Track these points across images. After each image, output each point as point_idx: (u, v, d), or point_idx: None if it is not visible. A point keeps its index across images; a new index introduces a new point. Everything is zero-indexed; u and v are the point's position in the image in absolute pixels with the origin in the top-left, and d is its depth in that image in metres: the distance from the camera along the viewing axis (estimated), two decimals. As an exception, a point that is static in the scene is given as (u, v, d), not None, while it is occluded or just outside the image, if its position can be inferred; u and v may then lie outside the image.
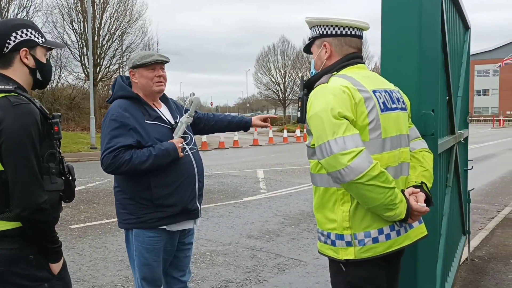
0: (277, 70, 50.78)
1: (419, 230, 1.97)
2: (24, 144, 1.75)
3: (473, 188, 5.07)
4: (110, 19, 26.05)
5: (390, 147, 1.90)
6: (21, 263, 1.82)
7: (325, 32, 2.02)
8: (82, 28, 25.50)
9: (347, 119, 1.78)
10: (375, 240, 1.86)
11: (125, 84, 2.76)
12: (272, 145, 23.43)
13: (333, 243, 1.92)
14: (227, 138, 22.18)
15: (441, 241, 2.97)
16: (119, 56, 27.08)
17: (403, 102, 2.03)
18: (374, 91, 1.89)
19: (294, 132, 28.44)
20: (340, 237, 1.89)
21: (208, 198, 8.54)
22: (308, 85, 2.06)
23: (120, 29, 26.51)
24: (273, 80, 51.29)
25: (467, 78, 4.35)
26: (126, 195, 2.67)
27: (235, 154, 18.21)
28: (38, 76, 1.97)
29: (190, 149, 2.76)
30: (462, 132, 4.06)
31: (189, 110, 2.82)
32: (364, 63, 2.07)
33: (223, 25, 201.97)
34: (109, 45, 26.27)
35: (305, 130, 2.76)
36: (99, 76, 25.83)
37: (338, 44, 2.01)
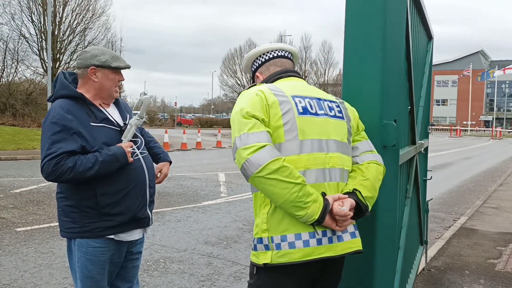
0: (242, 73, 50.71)
1: (349, 244, 1.83)
2: None
3: (432, 198, 5.08)
4: (72, 13, 25.24)
5: (311, 149, 1.84)
6: None
7: (255, 67, 2.19)
8: (41, 21, 24.59)
9: (256, 118, 1.79)
10: (292, 245, 1.76)
11: (68, 81, 2.51)
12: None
13: (255, 248, 1.86)
14: (189, 140, 21.89)
15: (399, 255, 2.90)
16: (80, 51, 26.28)
17: (339, 111, 1.99)
18: (293, 96, 1.89)
19: (258, 135, 28.38)
20: (260, 240, 1.83)
21: (166, 201, 8.29)
22: None
23: (82, 24, 25.72)
24: (239, 82, 51.21)
25: (429, 88, 4.35)
26: (69, 202, 2.44)
27: (198, 156, 17.94)
28: None
29: (140, 153, 2.56)
30: (423, 142, 4.04)
31: (138, 111, 2.62)
32: (298, 76, 2.10)
33: (185, 26, 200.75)
34: (70, 40, 25.46)
35: None
36: (58, 71, 24.96)
37: (265, 69, 2.15)
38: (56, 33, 24.07)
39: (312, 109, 1.90)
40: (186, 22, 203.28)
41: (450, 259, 5.24)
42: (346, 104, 2.06)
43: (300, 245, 1.75)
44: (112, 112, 2.58)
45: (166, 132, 21.12)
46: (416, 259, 4.22)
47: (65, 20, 25.06)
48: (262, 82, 2.08)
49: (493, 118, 66.32)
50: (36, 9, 24.49)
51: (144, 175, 2.56)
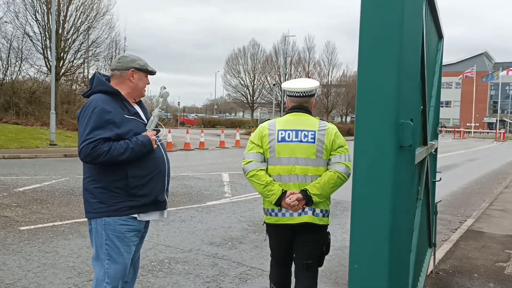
0: (246, 73, 50.71)
1: (303, 219, 3.07)
2: None
3: (440, 200, 5.01)
4: (76, 12, 25.17)
5: (283, 163, 3.08)
6: None
7: (286, 94, 3.30)
8: (46, 20, 24.56)
9: (254, 143, 3.16)
10: (269, 214, 3.15)
11: (104, 80, 2.88)
12: (238, 147, 23.21)
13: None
14: (193, 139, 21.85)
15: (411, 257, 2.83)
16: (84, 50, 26.22)
17: (312, 138, 3.08)
18: (279, 130, 3.12)
19: (261, 135, 28.32)
20: (263, 207, 3.22)
21: (170, 201, 8.18)
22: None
23: (86, 23, 25.67)
24: (242, 82, 51.17)
25: (439, 88, 4.29)
26: (99, 184, 2.77)
27: (201, 156, 17.90)
28: None
29: (160, 141, 2.96)
30: (433, 143, 3.98)
31: (160, 104, 3.01)
32: (301, 111, 3.18)
33: (187, 26, 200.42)
34: (74, 39, 25.35)
35: None
36: (62, 70, 24.89)
37: (289, 100, 3.28)
38: (60, 31, 24.01)
39: (288, 138, 3.09)
40: (188, 22, 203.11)
41: (458, 262, 5.17)
42: (327, 130, 3.10)
43: (272, 215, 3.14)
44: (138, 109, 2.97)
45: (169, 132, 21.08)
46: (425, 261, 4.15)
47: (69, 18, 24.99)
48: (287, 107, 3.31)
49: (496, 120, 66.10)
50: (40, 8, 24.46)
51: (164, 162, 2.97)
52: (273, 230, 3.20)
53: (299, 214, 3.04)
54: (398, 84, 2.11)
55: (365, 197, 2.07)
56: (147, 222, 3.02)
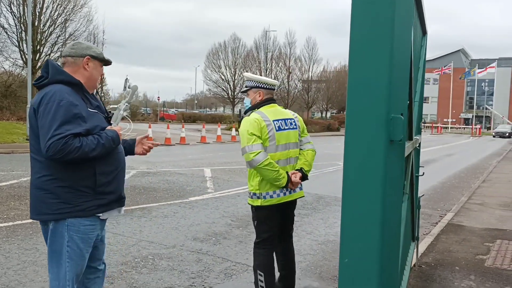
0: (227, 68, 50.50)
1: (299, 194, 3.71)
2: None
3: (423, 195, 5.08)
4: (52, 4, 24.63)
5: (281, 149, 3.57)
6: None
7: (257, 85, 3.69)
8: (21, 12, 23.98)
9: (256, 135, 3.45)
10: (270, 196, 3.54)
11: (63, 68, 2.68)
12: (220, 143, 23.14)
13: (251, 197, 3.62)
14: (173, 135, 21.68)
15: (399, 251, 2.86)
16: (62, 43, 25.68)
17: (295, 125, 3.69)
18: (274, 120, 3.56)
19: (242, 130, 28.26)
20: (254, 194, 3.58)
21: (152, 197, 8.16)
22: (246, 112, 3.70)
23: (63, 15, 25.15)
24: (223, 77, 50.95)
25: (423, 83, 4.33)
26: (64, 183, 2.58)
27: (182, 151, 17.77)
28: None
29: (127, 136, 2.95)
30: (418, 137, 4.02)
31: (123, 100, 2.92)
32: (274, 102, 3.72)
33: (165, 20, 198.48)
34: (51, 32, 24.84)
35: None
36: (39, 64, 24.31)
37: (265, 93, 3.70)
38: (36, 24, 23.48)
39: (282, 127, 3.58)
40: (166, 17, 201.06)
41: (440, 255, 5.25)
42: (299, 117, 3.78)
43: (275, 196, 3.54)
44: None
45: (149, 127, 20.87)
46: (409, 255, 4.20)
47: (45, 10, 24.44)
48: (256, 104, 3.67)
49: (473, 115, 67.48)
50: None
51: (124, 158, 2.88)
52: (274, 210, 3.57)
53: (295, 191, 3.65)
54: (389, 78, 2.11)
55: (356, 191, 2.07)
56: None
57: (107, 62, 2.82)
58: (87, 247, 2.69)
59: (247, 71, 49.43)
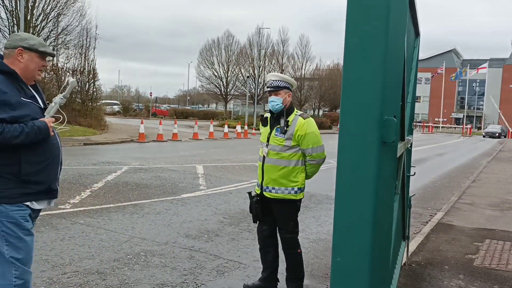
0: (220, 64, 50.39)
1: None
2: None
3: (414, 194, 5.13)
4: (45, -2, 24.39)
5: None
6: None
7: (290, 88, 3.97)
8: (13, 5, 23.71)
9: None
10: (304, 189, 4.00)
11: None
12: (212, 140, 23.13)
13: (296, 192, 3.89)
14: (165, 131, 21.63)
15: (391, 250, 2.90)
16: (54, 38, 25.47)
17: None
18: None
19: (235, 127, 28.29)
20: (299, 189, 3.90)
21: (144, 193, 8.16)
22: (281, 113, 3.92)
23: (56, 10, 24.93)
24: (216, 74, 50.85)
25: (415, 84, 4.37)
26: None
27: (174, 148, 17.74)
28: None
29: (59, 129, 2.93)
30: (409, 138, 4.06)
31: (64, 92, 2.95)
32: None
33: (158, 15, 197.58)
34: (43, 26, 24.59)
35: (260, 130, 4.22)
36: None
37: (291, 95, 4.00)
38: (28, 18, 23.25)
39: None
40: (159, 12, 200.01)
41: (429, 254, 5.31)
42: None
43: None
44: (35, 93, 2.86)
45: (142, 123, 20.80)
46: (400, 254, 4.25)
47: (38, 4, 24.21)
48: (290, 105, 3.96)
49: (463, 115, 67.99)
50: (8, -8, 23.61)
51: (59, 150, 2.90)
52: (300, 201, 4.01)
53: None
54: (383, 80, 2.14)
55: (349, 191, 2.10)
56: (39, 210, 2.91)
57: (43, 53, 2.81)
58: (22, 230, 2.69)
59: (240, 68, 49.44)
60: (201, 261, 4.81)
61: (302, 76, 51.18)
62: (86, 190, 8.09)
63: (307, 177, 3.96)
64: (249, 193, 4.12)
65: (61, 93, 2.97)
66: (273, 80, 3.92)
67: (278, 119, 3.91)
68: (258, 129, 22.07)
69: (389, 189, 2.28)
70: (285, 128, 3.82)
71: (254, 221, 4.10)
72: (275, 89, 3.88)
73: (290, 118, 3.87)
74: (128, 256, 4.80)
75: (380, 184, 2.01)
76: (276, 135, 3.88)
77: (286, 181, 3.84)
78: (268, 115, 4.05)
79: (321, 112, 60.17)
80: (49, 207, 2.97)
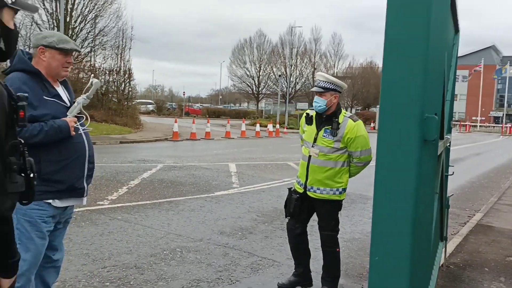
0: (252, 64, 50.51)
1: None
2: None
3: (452, 194, 5.02)
4: (83, 1, 25.12)
5: None
6: None
7: (338, 90, 3.90)
8: (53, 8, 24.52)
9: None
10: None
11: (25, 58, 2.76)
12: (244, 138, 23.24)
13: (340, 193, 3.91)
14: (198, 129, 21.88)
15: (430, 250, 2.85)
16: (92, 39, 26.20)
17: None
18: None
19: (266, 126, 28.32)
20: (343, 189, 3.92)
21: (179, 190, 8.29)
22: (332, 114, 3.89)
23: (94, 12, 25.62)
24: (248, 73, 51.01)
25: (454, 82, 4.28)
26: None
27: (207, 146, 17.93)
28: (2, 45, 1.57)
29: (83, 130, 2.87)
30: (448, 136, 3.98)
31: (88, 93, 2.92)
32: None
33: (190, 16, 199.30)
34: (82, 27, 25.35)
35: (304, 127, 4.14)
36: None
37: (339, 97, 3.97)
38: (68, 20, 23.99)
39: None
40: (191, 12, 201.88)
41: (468, 256, 5.19)
42: None
43: None
44: (61, 92, 2.86)
45: (175, 122, 21.11)
46: (437, 255, 4.17)
47: (76, 7, 24.98)
48: (337, 107, 3.92)
49: (503, 114, 65.70)
50: (49, -5, 24.41)
51: (84, 150, 2.86)
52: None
53: None
54: (424, 78, 2.11)
55: (388, 190, 2.08)
56: (67, 207, 2.89)
57: (62, 50, 2.75)
58: (35, 231, 2.68)
59: (271, 67, 49.42)
60: (235, 258, 4.86)
61: (335, 75, 50.68)
62: (123, 187, 8.29)
63: (349, 176, 3.99)
64: (290, 189, 4.11)
65: (84, 93, 2.96)
66: (320, 81, 3.91)
67: (327, 119, 3.88)
68: (290, 128, 22.10)
69: (429, 188, 2.25)
70: (336, 130, 3.80)
71: (287, 217, 4.10)
72: (321, 90, 3.85)
73: (340, 120, 3.84)
74: (165, 252, 4.90)
75: (420, 183, 1.99)
76: (324, 136, 3.85)
77: (331, 182, 3.85)
78: (312, 113, 4.02)
79: (353, 111, 59.46)
80: (80, 205, 2.94)
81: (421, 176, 2.04)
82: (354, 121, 3.85)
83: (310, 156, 3.92)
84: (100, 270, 4.29)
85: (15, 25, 1.61)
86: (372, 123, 39.91)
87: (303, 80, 49.50)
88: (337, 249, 4.00)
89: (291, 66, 47.78)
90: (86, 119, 2.91)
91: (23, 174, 1.57)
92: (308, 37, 62.14)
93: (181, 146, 17.51)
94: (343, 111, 3.95)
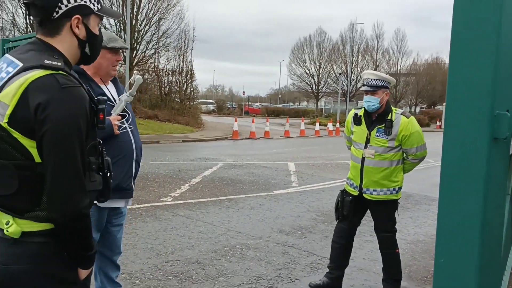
0: (312, 62, 50.18)
1: None
2: (71, 136, 1.48)
3: (526, 196, 4.71)
4: (148, 4, 26.14)
5: None
6: (52, 261, 1.55)
7: (388, 86, 3.82)
8: (120, 12, 25.69)
9: None
10: None
11: None
12: (303, 137, 23.14)
13: (396, 192, 3.81)
14: (258, 129, 22.05)
15: (500, 254, 2.71)
16: (156, 41, 27.21)
17: None
18: None
19: (326, 125, 28.02)
20: (399, 188, 3.82)
21: (239, 188, 8.41)
22: (384, 113, 3.80)
23: (158, 14, 26.59)
24: (307, 71, 50.73)
25: (529, 77, 4.01)
26: None
27: (266, 145, 18.03)
28: (87, 50, 1.67)
29: (128, 127, 2.80)
30: (522, 135, 3.75)
31: (131, 89, 2.88)
32: None
33: (249, 16, 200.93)
34: (146, 30, 26.41)
35: (351, 128, 3.99)
36: (135, 61, 26.02)
37: (388, 93, 3.90)
38: (133, 23, 25.08)
39: None
40: (250, 12, 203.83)
41: (544, 263, 4.85)
42: None
43: None
44: (110, 89, 2.83)
45: (235, 121, 21.42)
46: (510, 258, 3.94)
47: (142, 10, 26.07)
48: (387, 104, 3.84)
49: None
50: (116, 0, 25.65)
51: (132, 148, 2.80)
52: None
53: None
54: (494, 72, 2.01)
55: (455, 190, 2.00)
56: (118, 208, 2.86)
57: (113, 49, 2.75)
58: None
59: (331, 65, 48.81)
60: (295, 256, 4.86)
61: (398, 72, 49.22)
62: (185, 184, 8.54)
63: (404, 173, 3.89)
64: (342, 191, 4.00)
65: (127, 91, 2.93)
66: (371, 79, 3.77)
67: (378, 118, 3.78)
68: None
69: (499, 188, 2.14)
70: (390, 129, 3.70)
71: (338, 219, 4.02)
72: (373, 89, 3.74)
73: (392, 118, 3.74)
74: (225, 248, 4.99)
75: (490, 183, 1.89)
76: (377, 136, 3.73)
77: (387, 182, 3.75)
78: (360, 112, 3.88)
79: (418, 109, 57.42)
80: (125, 206, 2.90)
81: (491, 175, 1.95)
82: (407, 118, 3.74)
83: (363, 157, 3.79)
84: (163, 264, 4.45)
85: (99, 31, 1.72)
86: (438, 122, 38.31)
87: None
88: (396, 250, 3.88)
89: (352, 63, 46.94)
90: (128, 117, 2.86)
91: (100, 173, 1.67)
92: (370, 33, 60.86)
93: (241, 145, 17.74)
94: (393, 108, 3.85)
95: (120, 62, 2.95)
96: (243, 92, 53.52)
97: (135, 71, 3.96)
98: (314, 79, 50.68)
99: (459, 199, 2.01)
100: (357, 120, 3.88)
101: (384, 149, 3.72)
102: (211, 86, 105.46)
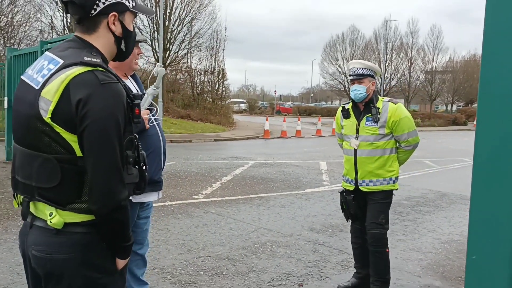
0: (344, 60, 49.61)
1: None
2: (110, 131, 1.53)
3: None
4: (181, 4, 26.49)
5: None
6: (92, 250, 1.62)
7: (374, 75, 3.78)
8: (153, 9, 26.13)
9: None
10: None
11: None
12: (335, 136, 22.92)
13: (393, 182, 3.74)
14: (289, 128, 22.02)
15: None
16: (188, 41, 27.55)
17: None
18: None
19: (359, 124, 27.69)
20: (396, 178, 3.75)
21: (269, 186, 8.43)
22: (370, 101, 3.76)
23: (190, 15, 26.92)
24: (340, 70, 50.20)
25: None
26: None
27: (297, 144, 17.99)
28: (122, 46, 1.72)
29: (155, 120, 2.83)
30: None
31: (155, 82, 2.88)
32: None
33: (280, 15, 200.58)
34: (179, 30, 26.76)
35: (341, 122, 4.04)
36: (168, 61, 26.42)
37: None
38: (166, 24, 25.48)
39: None
40: (281, 11, 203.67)
41: None
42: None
43: None
44: (130, 85, 2.81)
45: (267, 120, 21.46)
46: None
47: (174, 11, 26.45)
48: (375, 93, 3.79)
49: None
50: (149, 1, 26.11)
51: (159, 141, 2.86)
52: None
53: None
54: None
55: (488, 185, 1.97)
56: (146, 203, 2.90)
57: (136, 42, 2.69)
58: None
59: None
60: (325, 254, 4.85)
61: (433, 69, 48.08)
62: (216, 182, 8.63)
63: (399, 164, 3.79)
64: (341, 192, 3.93)
65: (151, 84, 2.92)
66: (357, 68, 3.76)
67: (366, 108, 3.74)
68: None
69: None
70: (378, 116, 3.66)
71: (348, 220, 3.95)
72: (359, 77, 3.71)
73: (379, 105, 3.70)
74: (255, 245, 5.03)
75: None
76: (367, 124, 3.70)
77: (383, 171, 3.68)
78: (348, 106, 3.86)
79: (454, 107, 55.92)
80: (157, 199, 2.95)
81: (525, 172, 1.90)
82: (395, 104, 3.70)
83: (355, 149, 3.75)
84: (195, 260, 4.52)
85: (133, 27, 1.78)
86: (475, 120, 37.22)
87: (398, 75, 47.57)
88: (387, 250, 3.71)
89: (386, 61, 46.15)
90: (156, 111, 2.89)
91: (137, 166, 1.73)
92: (404, 30, 59.70)
93: (272, 144, 17.76)
94: (380, 97, 3.78)
95: (141, 55, 2.96)
96: (275, 91, 53.46)
97: (157, 63, 4.02)
98: (346, 78, 50.07)
99: (492, 195, 1.97)
100: (345, 113, 3.87)
101: (375, 137, 3.67)
102: (243, 85, 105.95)
